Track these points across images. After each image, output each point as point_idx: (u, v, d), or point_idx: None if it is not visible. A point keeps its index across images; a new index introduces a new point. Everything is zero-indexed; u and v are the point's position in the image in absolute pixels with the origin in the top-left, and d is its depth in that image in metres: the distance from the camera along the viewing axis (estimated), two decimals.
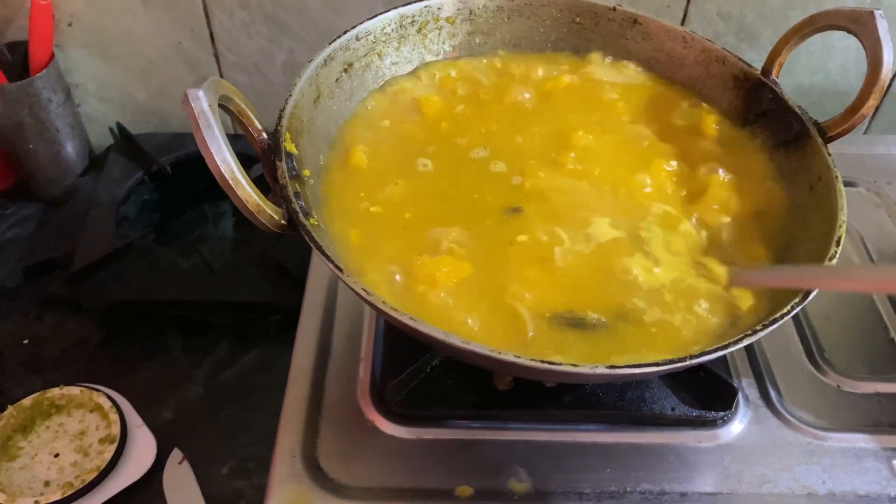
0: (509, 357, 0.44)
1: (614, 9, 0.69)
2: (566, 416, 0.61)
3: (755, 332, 0.47)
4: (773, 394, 0.63)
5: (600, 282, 0.55)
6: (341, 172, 0.60)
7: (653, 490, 0.57)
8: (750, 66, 0.65)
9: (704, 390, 0.61)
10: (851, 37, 0.59)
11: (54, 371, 0.75)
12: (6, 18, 0.87)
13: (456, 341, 0.44)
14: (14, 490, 0.63)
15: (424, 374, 0.60)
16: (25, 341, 0.78)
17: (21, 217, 0.92)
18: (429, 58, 0.69)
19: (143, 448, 0.68)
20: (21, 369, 0.76)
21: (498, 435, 0.60)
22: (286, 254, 0.80)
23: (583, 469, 0.58)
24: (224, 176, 0.44)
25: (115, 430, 0.67)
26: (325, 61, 0.60)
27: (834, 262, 0.51)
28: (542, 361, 0.44)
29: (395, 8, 0.65)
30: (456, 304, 0.52)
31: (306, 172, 0.55)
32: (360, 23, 0.63)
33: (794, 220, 0.59)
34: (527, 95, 0.68)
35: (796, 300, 0.49)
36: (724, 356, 0.63)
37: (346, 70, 0.63)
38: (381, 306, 0.46)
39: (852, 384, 0.64)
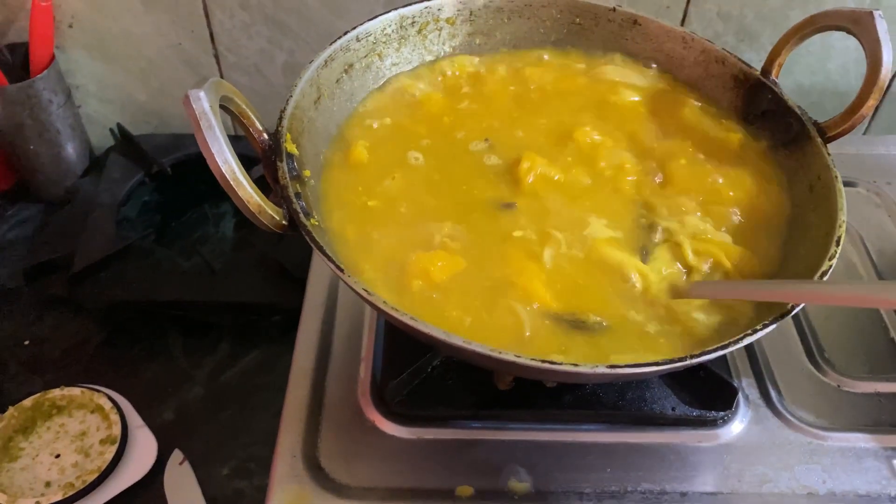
0: (510, 357, 0.44)
1: (614, 9, 0.69)
2: (567, 416, 0.61)
3: (755, 331, 0.47)
4: (773, 393, 0.63)
5: (595, 285, 0.55)
6: (342, 167, 0.60)
7: (653, 490, 0.57)
8: (749, 66, 0.65)
9: (705, 390, 0.61)
10: (851, 37, 0.59)
11: (55, 372, 0.75)
12: (7, 20, 0.87)
13: (457, 341, 0.44)
14: (15, 491, 0.64)
15: (425, 374, 0.61)
16: (26, 342, 0.78)
17: (21, 218, 0.92)
18: (429, 58, 0.69)
19: (143, 449, 0.68)
20: (22, 370, 0.76)
21: (498, 435, 0.60)
22: (287, 254, 0.80)
23: (583, 469, 0.58)
24: (225, 176, 0.45)
25: (116, 430, 0.67)
26: (326, 62, 0.60)
27: (833, 262, 0.51)
28: (543, 361, 0.44)
29: (396, 9, 0.66)
30: (449, 300, 0.52)
31: (307, 173, 0.55)
32: (361, 24, 0.64)
33: (793, 220, 0.59)
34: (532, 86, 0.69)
35: None
36: (725, 356, 0.63)
37: (346, 71, 0.63)
38: (381, 306, 0.46)
39: (852, 384, 0.64)
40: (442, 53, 0.70)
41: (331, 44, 0.61)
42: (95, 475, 0.64)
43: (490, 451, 0.59)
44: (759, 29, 0.90)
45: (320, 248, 0.48)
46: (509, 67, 0.70)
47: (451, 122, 0.65)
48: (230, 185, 0.45)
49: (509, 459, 0.58)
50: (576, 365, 0.45)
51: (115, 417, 0.68)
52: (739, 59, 0.66)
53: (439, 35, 0.69)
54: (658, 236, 0.57)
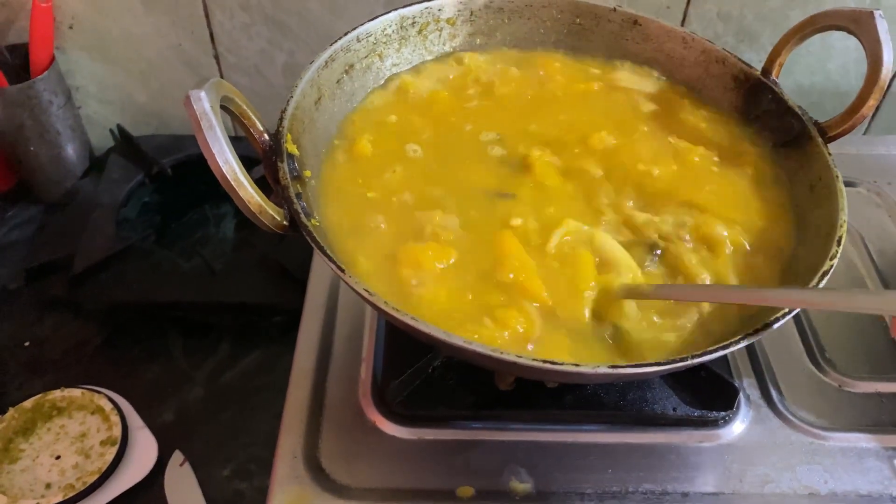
0: (511, 357, 0.44)
1: (614, 10, 0.69)
2: (568, 417, 0.61)
3: (756, 331, 0.47)
4: (774, 394, 0.63)
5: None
6: (345, 161, 0.61)
7: (654, 490, 0.57)
8: (750, 66, 0.65)
9: (706, 390, 0.61)
10: (851, 37, 0.59)
11: (55, 373, 0.75)
12: (7, 20, 0.87)
13: (457, 341, 0.44)
14: (15, 492, 0.63)
15: (426, 374, 0.61)
16: (26, 343, 0.78)
17: (22, 219, 0.92)
18: (429, 59, 0.69)
19: (144, 450, 0.68)
20: (22, 371, 0.76)
21: (499, 435, 0.60)
22: (287, 255, 0.80)
23: (584, 469, 0.58)
24: (226, 177, 0.45)
25: (117, 431, 0.67)
26: (327, 62, 0.60)
27: (835, 261, 0.51)
28: (544, 361, 0.44)
29: (396, 9, 0.66)
30: (439, 292, 0.52)
31: (307, 173, 0.55)
32: (361, 24, 0.64)
33: (794, 220, 0.59)
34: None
35: None
36: (726, 356, 0.63)
37: (347, 71, 0.63)
38: (382, 307, 0.46)
39: (853, 384, 0.64)
40: (442, 54, 0.70)
41: (331, 44, 0.61)
42: (96, 476, 0.64)
43: (491, 452, 0.59)
44: (758, 29, 0.90)
45: (321, 249, 0.47)
46: (518, 68, 0.70)
47: (458, 119, 0.66)
48: (231, 185, 0.45)
49: (510, 460, 0.58)
50: (577, 365, 0.45)
51: (115, 419, 0.68)
52: (740, 60, 0.66)
53: (440, 35, 0.69)
54: (660, 245, 0.57)
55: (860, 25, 0.57)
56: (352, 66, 0.63)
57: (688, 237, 0.57)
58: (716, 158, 0.64)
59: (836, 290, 0.48)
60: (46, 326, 0.80)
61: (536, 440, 0.60)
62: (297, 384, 0.63)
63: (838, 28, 0.59)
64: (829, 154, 0.58)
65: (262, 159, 0.53)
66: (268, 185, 0.52)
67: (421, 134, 0.64)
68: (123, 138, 0.96)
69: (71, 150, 0.92)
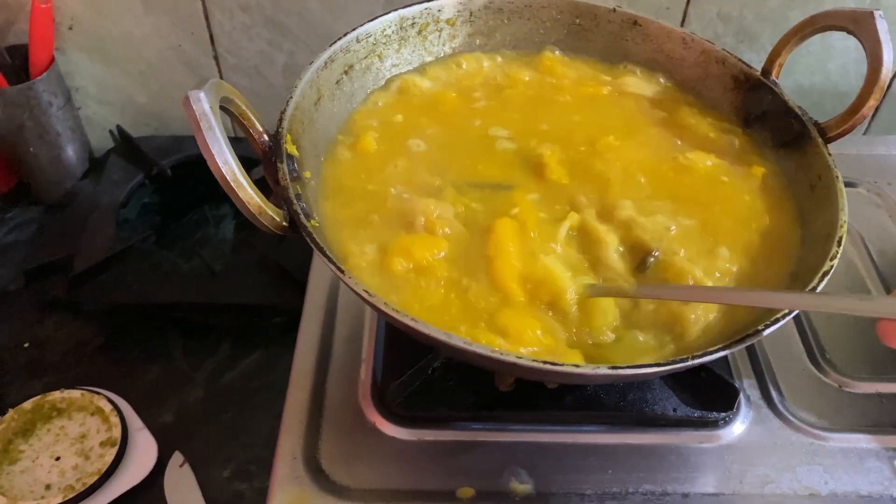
0: (511, 358, 0.44)
1: (614, 10, 0.69)
2: (568, 418, 0.61)
3: (756, 332, 0.47)
4: (774, 394, 0.63)
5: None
6: (347, 158, 0.61)
7: (654, 491, 0.57)
8: (750, 66, 0.65)
9: (706, 391, 0.61)
10: (851, 37, 0.59)
11: (55, 374, 0.75)
12: (7, 22, 0.87)
13: (458, 342, 0.44)
14: (15, 494, 0.63)
15: (426, 375, 0.60)
16: (26, 345, 0.78)
17: (21, 220, 0.92)
18: (429, 59, 0.69)
19: (144, 451, 0.68)
20: (22, 373, 0.76)
21: (499, 436, 0.60)
22: (287, 256, 0.80)
23: (584, 470, 0.58)
24: (225, 177, 0.44)
25: (116, 433, 0.67)
26: (326, 63, 0.60)
27: (835, 262, 0.51)
28: (544, 362, 0.44)
29: (396, 10, 0.66)
30: (427, 283, 0.53)
31: (307, 174, 0.55)
32: (361, 25, 0.63)
33: (794, 221, 0.59)
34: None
35: None
36: (726, 357, 0.63)
37: (346, 72, 0.63)
38: (382, 308, 0.46)
39: (853, 384, 0.64)
40: (442, 54, 0.70)
41: (331, 45, 0.61)
42: (95, 477, 0.64)
43: (491, 453, 0.59)
44: (758, 30, 0.90)
45: (321, 249, 0.47)
46: (525, 70, 0.70)
47: (466, 117, 0.66)
48: (230, 186, 0.45)
49: (510, 461, 0.58)
50: (577, 366, 0.45)
51: (115, 420, 0.68)
52: (739, 60, 0.66)
53: (439, 36, 0.69)
54: (655, 254, 0.57)
55: (860, 26, 0.57)
56: (351, 66, 0.63)
57: (683, 252, 0.57)
58: (724, 171, 0.63)
59: (816, 294, 0.49)
60: (46, 327, 0.80)
61: (536, 441, 0.60)
62: (297, 385, 0.63)
63: (838, 28, 0.59)
64: (829, 154, 0.58)
65: (262, 160, 0.53)
66: (267, 185, 0.52)
67: (427, 129, 0.64)
68: (123, 139, 0.96)
69: (71, 151, 0.92)
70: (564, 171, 0.61)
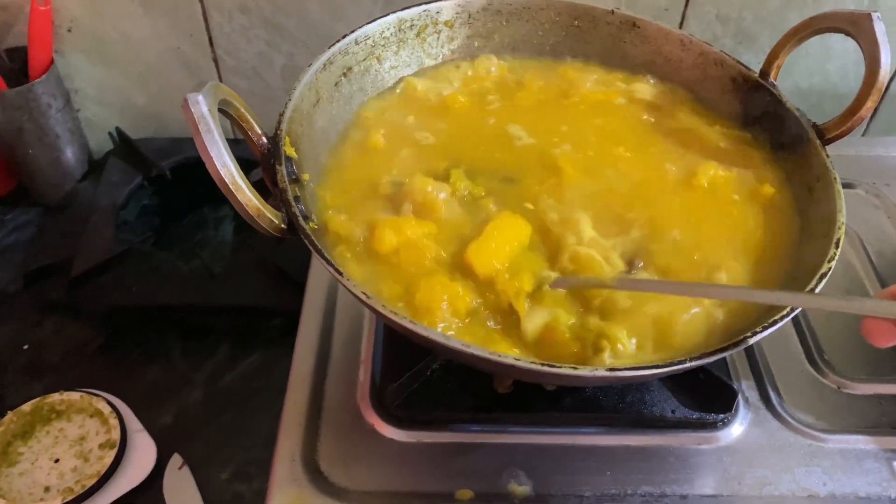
0: (508, 360, 0.44)
1: (612, 12, 0.69)
2: (566, 419, 0.61)
3: (755, 333, 0.47)
4: (773, 396, 0.63)
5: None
6: (354, 154, 0.62)
7: (653, 493, 0.57)
8: (748, 68, 0.65)
9: (704, 392, 0.61)
10: (850, 39, 0.59)
11: (54, 376, 0.75)
12: (6, 24, 0.87)
13: (455, 344, 0.44)
14: (14, 496, 0.63)
15: (424, 377, 0.60)
16: (25, 347, 0.78)
17: (21, 222, 0.92)
18: (428, 62, 0.69)
19: (143, 453, 0.68)
20: (21, 375, 0.76)
21: (498, 438, 0.60)
22: (286, 258, 0.80)
23: (583, 472, 0.58)
24: (224, 180, 0.45)
25: (115, 435, 0.67)
26: (325, 65, 0.60)
27: (833, 263, 0.51)
28: (542, 364, 0.44)
29: (394, 12, 0.66)
30: (407, 266, 0.53)
31: (305, 176, 0.55)
32: (360, 27, 0.64)
33: (793, 222, 0.59)
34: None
35: None
36: (724, 358, 0.63)
37: (345, 74, 0.63)
38: (380, 309, 0.46)
39: (852, 385, 0.64)
40: (441, 56, 0.70)
41: (329, 47, 0.61)
42: (94, 480, 0.64)
43: (489, 455, 0.59)
44: (757, 31, 0.90)
45: (319, 252, 0.48)
46: (538, 75, 0.71)
47: (480, 116, 0.67)
48: (229, 188, 0.45)
49: (509, 463, 0.58)
50: (575, 368, 0.45)
51: (114, 422, 0.68)
52: (738, 62, 0.66)
53: (438, 38, 0.69)
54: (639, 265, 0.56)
55: (858, 27, 0.57)
56: (350, 68, 0.63)
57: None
58: (734, 188, 0.62)
59: (800, 293, 0.50)
60: (45, 329, 0.80)
61: (535, 443, 0.60)
62: (296, 387, 0.63)
63: (836, 30, 0.59)
64: (828, 156, 0.58)
65: (261, 162, 0.53)
66: (266, 188, 0.52)
67: (437, 125, 0.65)
68: (122, 141, 0.96)
69: (70, 153, 0.92)
70: (577, 175, 0.61)
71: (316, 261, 0.72)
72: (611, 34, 0.70)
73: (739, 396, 0.62)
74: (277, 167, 0.51)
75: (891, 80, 0.94)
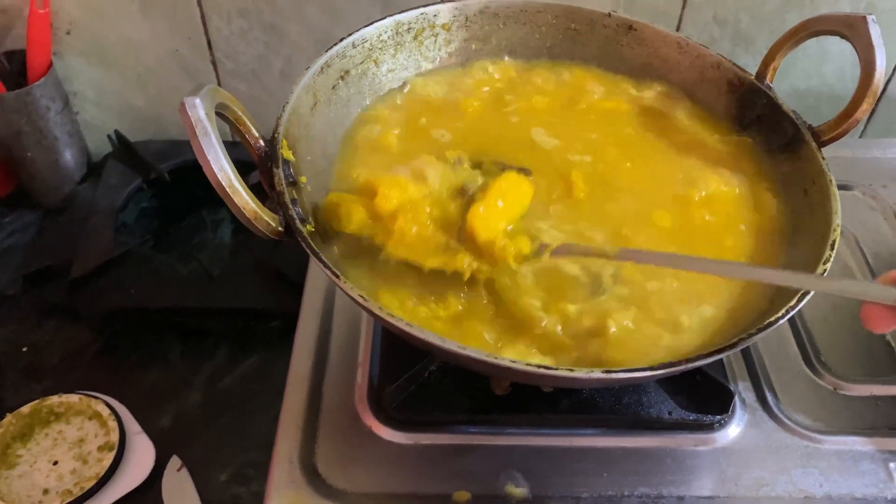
0: (505, 362, 0.44)
1: (609, 15, 0.70)
2: (563, 421, 0.61)
3: (750, 335, 0.47)
4: (769, 397, 0.63)
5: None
6: (364, 152, 0.62)
7: (650, 494, 0.57)
8: (744, 70, 0.66)
9: (701, 394, 0.61)
10: (846, 41, 0.59)
11: (53, 378, 0.75)
12: (4, 27, 0.87)
13: (452, 346, 0.44)
14: (13, 498, 0.64)
15: (422, 379, 0.61)
16: (24, 349, 0.78)
17: (20, 225, 0.92)
18: (425, 64, 0.69)
19: (141, 455, 0.68)
20: (20, 377, 0.76)
21: (495, 440, 0.60)
22: (284, 260, 0.80)
23: (580, 473, 0.58)
24: (221, 184, 0.45)
25: (114, 437, 0.67)
26: (322, 69, 0.60)
27: (828, 265, 0.51)
28: (538, 366, 0.44)
29: (392, 15, 0.66)
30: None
31: (303, 179, 0.55)
32: (357, 30, 0.64)
33: (789, 224, 0.59)
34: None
35: (791, 303, 0.49)
36: (721, 360, 0.63)
37: (342, 77, 0.63)
38: (377, 312, 0.46)
39: (849, 387, 0.64)
40: (438, 59, 0.70)
41: (327, 50, 0.61)
42: (93, 482, 0.64)
43: (487, 456, 0.59)
44: (754, 33, 0.90)
45: (316, 255, 0.48)
46: (549, 80, 0.71)
47: (494, 119, 0.67)
48: (226, 192, 0.45)
49: (506, 464, 0.59)
50: (571, 370, 0.45)
51: (112, 424, 0.68)
52: (734, 64, 0.66)
53: (435, 41, 0.69)
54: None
55: (853, 30, 0.58)
56: (347, 71, 0.63)
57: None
58: (735, 203, 0.62)
59: (800, 274, 0.50)
60: (44, 332, 0.80)
61: (532, 444, 0.60)
62: (294, 389, 0.63)
63: (832, 33, 0.59)
64: (823, 158, 0.58)
65: (258, 165, 0.53)
66: (264, 190, 0.52)
67: (454, 124, 0.65)
68: (121, 144, 0.96)
69: (69, 156, 0.93)
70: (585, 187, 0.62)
71: (314, 263, 0.72)
72: (608, 37, 0.71)
73: (736, 398, 0.62)
74: (274, 170, 0.52)
75: (887, 82, 0.94)
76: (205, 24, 0.88)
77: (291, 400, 0.62)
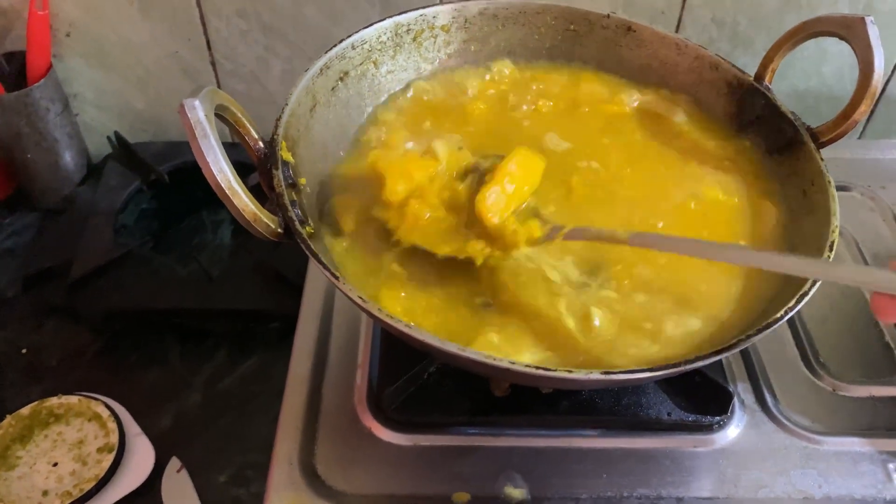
0: (504, 364, 0.44)
1: (608, 16, 0.70)
2: (563, 422, 0.61)
3: (749, 336, 0.47)
4: (768, 398, 0.63)
5: None
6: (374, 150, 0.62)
7: (649, 495, 0.58)
8: (743, 72, 0.66)
9: (700, 395, 0.61)
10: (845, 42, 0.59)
11: (53, 380, 0.76)
12: (4, 28, 0.87)
13: (451, 348, 0.45)
14: (13, 499, 0.64)
15: (421, 380, 0.61)
16: (24, 350, 0.78)
17: (19, 226, 0.92)
18: (424, 66, 0.70)
19: (141, 456, 0.68)
20: (19, 378, 0.76)
21: (494, 441, 0.60)
22: (284, 261, 0.80)
23: (579, 475, 0.58)
24: (220, 185, 0.45)
25: (114, 438, 0.67)
26: (321, 70, 0.60)
27: None
28: (537, 367, 0.44)
29: (391, 17, 0.66)
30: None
31: (302, 181, 0.55)
32: (356, 31, 0.64)
33: (787, 225, 0.59)
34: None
35: (790, 304, 0.49)
36: (720, 361, 0.63)
37: (341, 79, 0.63)
38: (376, 314, 0.46)
39: (848, 388, 0.64)
40: (437, 61, 0.70)
41: (326, 52, 0.61)
42: (93, 483, 0.64)
43: (486, 458, 0.59)
44: (753, 34, 0.91)
45: (315, 256, 0.48)
46: (552, 80, 0.71)
47: (501, 121, 0.67)
48: (225, 193, 0.45)
49: (505, 466, 0.59)
50: (570, 371, 0.45)
51: (112, 425, 0.68)
52: (733, 65, 0.66)
53: (434, 42, 0.69)
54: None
55: (852, 31, 0.58)
56: (347, 73, 0.63)
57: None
58: (735, 211, 0.62)
59: (814, 260, 0.50)
60: (44, 333, 0.80)
61: (532, 446, 0.60)
62: (293, 390, 0.63)
63: (830, 34, 0.59)
64: (822, 159, 0.58)
65: (257, 167, 0.53)
66: (264, 192, 0.52)
67: (465, 128, 0.66)
68: (121, 145, 0.96)
69: (68, 157, 0.93)
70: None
71: (313, 265, 0.72)
72: (607, 38, 0.71)
73: (735, 399, 0.62)
74: (274, 172, 0.52)
75: (886, 83, 0.94)
76: (204, 26, 0.89)
77: (291, 401, 0.62)
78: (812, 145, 0.59)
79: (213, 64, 0.92)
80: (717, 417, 0.61)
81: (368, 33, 0.64)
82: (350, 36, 0.63)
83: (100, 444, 0.68)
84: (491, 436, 0.60)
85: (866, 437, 0.61)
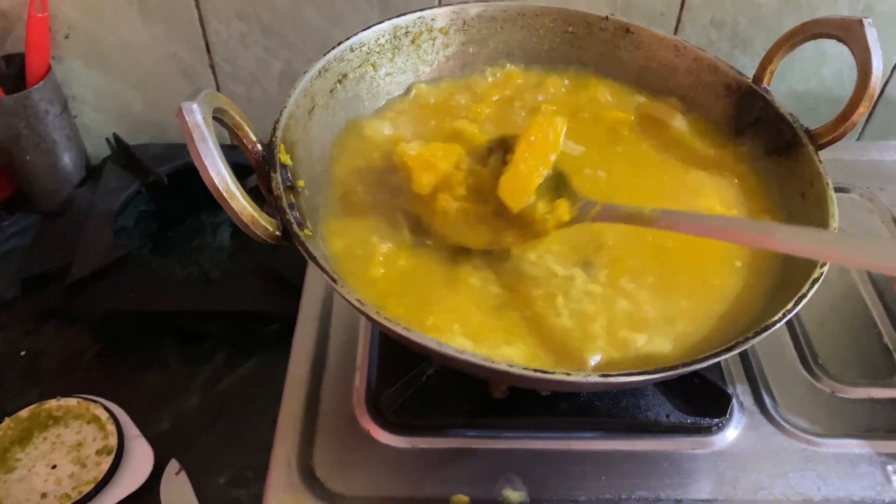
0: (502, 366, 0.44)
1: (606, 18, 0.70)
2: (561, 424, 0.61)
3: (748, 338, 0.47)
4: (767, 400, 0.63)
5: None
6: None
7: (648, 497, 0.58)
8: (741, 74, 0.66)
9: (699, 397, 0.61)
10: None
11: (51, 382, 0.75)
12: (3, 30, 0.87)
13: (449, 350, 0.45)
14: (11, 502, 0.64)
15: (420, 383, 0.61)
16: (23, 353, 0.78)
17: (18, 228, 0.92)
18: (423, 68, 0.70)
19: (140, 459, 0.68)
20: (18, 381, 0.76)
21: (493, 443, 0.60)
22: (283, 263, 0.80)
23: (578, 477, 0.58)
24: (218, 188, 0.45)
25: (113, 441, 0.67)
26: (320, 73, 0.60)
27: (825, 269, 0.51)
28: (535, 370, 0.44)
29: (390, 19, 0.66)
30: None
31: (301, 183, 0.55)
32: (355, 34, 0.64)
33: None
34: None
35: (788, 306, 0.49)
36: (719, 363, 0.63)
37: (340, 81, 0.63)
38: (374, 317, 0.46)
39: (846, 390, 0.64)
40: (436, 63, 0.70)
41: (325, 54, 0.61)
42: (92, 486, 0.64)
43: (485, 460, 0.59)
44: (752, 36, 0.91)
45: (313, 259, 0.48)
46: (554, 83, 0.71)
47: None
48: (223, 196, 0.45)
49: (504, 468, 0.59)
50: (568, 374, 0.45)
51: (111, 428, 0.68)
52: (731, 67, 0.66)
53: (433, 45, 0.69)
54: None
55: (850, 33, 0.58)
56: (345, 75, 0.63)
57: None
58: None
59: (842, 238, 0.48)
60: (43, 335, 0.80)
61: (530, 448, 0.60)
62: (292, 392, 0.63)
63: (828, 36, 0.59)
64: (820, 161, 0.58)
65: (256, 169, 0.53)
66: (262, 194, 0.52)
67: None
68: (120, 147, 0.96)
69: (67, 160, 0.93)
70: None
71: (312, 267, 0.72)
72: (605, 40, 0.71)
73: (734, 401, 0.62)
74: (272, 174, 0.52)
75: (884, 85, 0.95)
76: (203, 28, 0.89)
77: (289, 403, 0.62)
78: (811, 147, 0.59)
79: (212, 66, 0.92)
80: (716, 419, 0.61)
81: (367, 36, 0.64)
82: (349, 38, 0.63)
83: (99, 446, 0.68)
84: (490, 438, 0.60)
85: (865, 438, 0.61)
